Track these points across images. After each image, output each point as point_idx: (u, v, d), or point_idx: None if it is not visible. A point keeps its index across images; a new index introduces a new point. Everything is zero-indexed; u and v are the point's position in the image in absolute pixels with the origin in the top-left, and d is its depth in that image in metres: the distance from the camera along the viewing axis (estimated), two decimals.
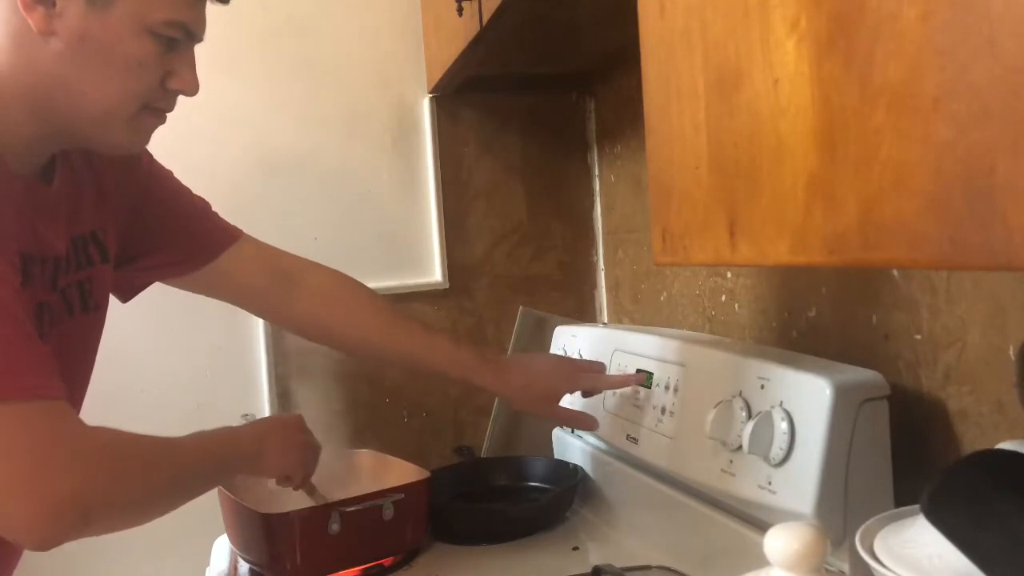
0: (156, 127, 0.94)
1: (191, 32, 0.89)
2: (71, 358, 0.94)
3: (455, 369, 1.18)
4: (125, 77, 0.85)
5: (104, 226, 1.00)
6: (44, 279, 0.88)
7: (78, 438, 0.80)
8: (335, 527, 1.13)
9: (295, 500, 1.21)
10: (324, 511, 1.13)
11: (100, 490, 0.82)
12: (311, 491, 1.18)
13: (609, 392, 1.23)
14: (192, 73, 0.91)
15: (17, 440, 0.76)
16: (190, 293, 1.42)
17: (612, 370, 1.24)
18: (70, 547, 1.40)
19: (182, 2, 0.86)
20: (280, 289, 1.19)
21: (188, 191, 1.14)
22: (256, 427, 1.14)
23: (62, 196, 0.92)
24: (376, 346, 1.22)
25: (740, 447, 0.91)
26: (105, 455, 0.83)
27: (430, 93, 1.57)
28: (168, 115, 1.39)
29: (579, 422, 1.24)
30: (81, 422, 0.82)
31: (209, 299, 1.44)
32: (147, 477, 0.88)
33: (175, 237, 1.12)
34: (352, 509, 1.14)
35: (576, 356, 1.35)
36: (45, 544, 0.80)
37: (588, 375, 1.23)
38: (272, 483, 1.18)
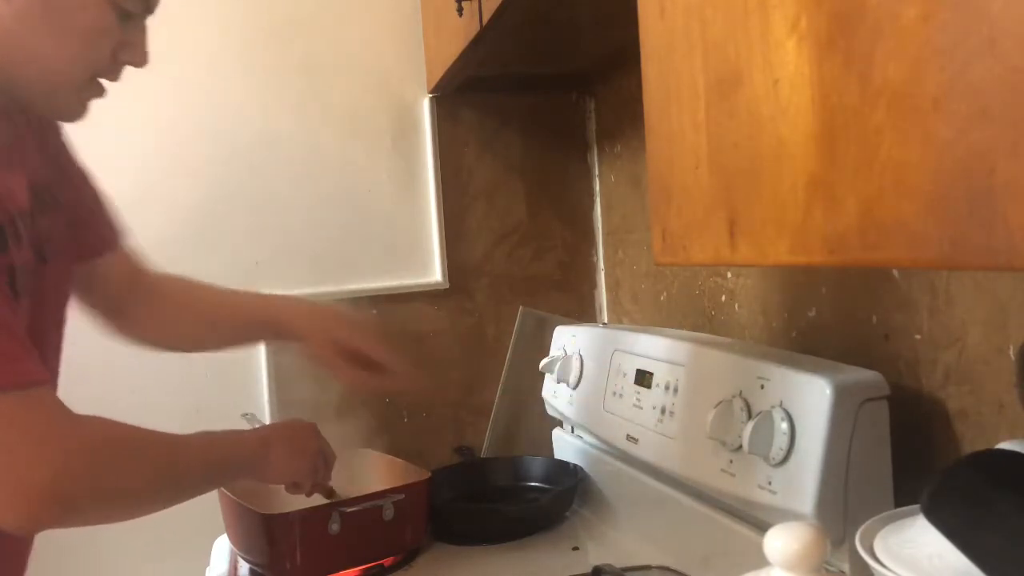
0: (96, 96, 0.93)
1: (148, 4, 0.91)
2: (43, 313, 0.92)
3: (264, 309, 1.17)
4: (82, 44, 0.86)
5: (47, 175, 0.96)
6: (17, 239, 0.86)
7: (61, 426, 0.81)
8: (335, 527, 1.13)
9: (295, 500, 1.21)
10: (324, 511, 1.13)
11: (84, 478, 0.81)
12: (330, 495, 1.17)
13: (609, 392, 1.23)
14: (144, 46, 0.92)
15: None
16: None
17: (612, 370, 1.24)
18: (70, 547, 1.40)
19: None
20: (136, 305, 1.14)
21: (94, 177, 1.07)
22: (263, 431, 1.13)
23: (14, 147, 0.90)
24: (224, 334, 1.21)
25: (740, 447, 0.91)
26: (90, 443, 0.83)
27: (430, 93, 1.57)
28: (168, 115, 1.40)
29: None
30: (65, 409, 0.82)
31: None
32: (138, 468, 0.88)
33: (76, 217, 1.02)
34: (352, 509, 1.14)
35: (576, 356, 1.35)
36: (24, 530, 0.81)
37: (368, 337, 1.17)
38: (282, 489, 1.17)
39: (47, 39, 0.84)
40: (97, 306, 1.11)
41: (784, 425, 0.87)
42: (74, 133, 1.36)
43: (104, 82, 0.92)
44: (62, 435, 0.81)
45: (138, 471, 0.88)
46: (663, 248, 0.67)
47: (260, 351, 1.46)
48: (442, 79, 1.46)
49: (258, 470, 1.07)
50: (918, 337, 0.91)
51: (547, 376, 1.43)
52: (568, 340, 1.40)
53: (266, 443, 1.09)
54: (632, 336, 1.24)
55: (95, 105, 1.43)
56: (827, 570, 0.67)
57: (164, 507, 0.92)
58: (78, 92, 0.89)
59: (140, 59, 0.92)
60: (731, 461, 0.94)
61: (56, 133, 1.02)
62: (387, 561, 1.19)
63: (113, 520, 0.88)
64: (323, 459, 1.14)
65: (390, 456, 1.39)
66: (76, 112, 0.92)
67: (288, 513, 1.12)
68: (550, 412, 1.45)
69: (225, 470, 1.04)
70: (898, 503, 0.86)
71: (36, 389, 0.79)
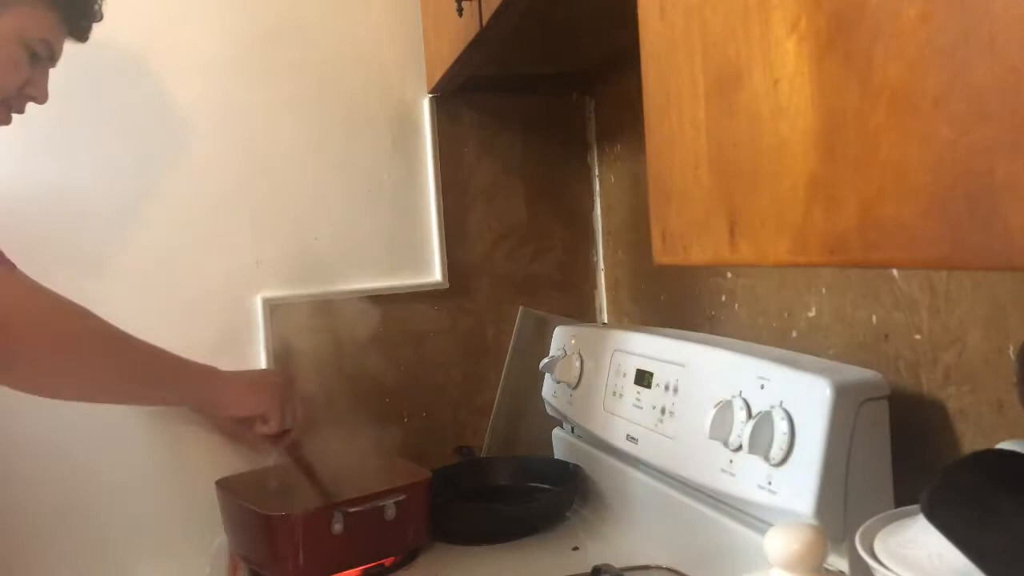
0: (3, 124, 1.07)
1: (53, 53, 1.07)
2: None
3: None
4: None
5: None
6: None
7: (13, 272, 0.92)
8: (338, 527, 1.13)
9: (295, 502, 1.21)
10: (327, 512, 1.13)
11: (16, 308, 0.91)
12: (297, 457, 1.17)
13: (609, 392, 1.24)
14: (45, 86, 1.08)
15: None
16: (188, 294, 1.43)
17: (612, 370, 1.24)
18: (69, 546, 1.40)
19: (53, 29, 1.05)
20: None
21: None
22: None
23: None
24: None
25: (740, 447, 0.91)
26: (27, 291, 0.94)
27: (430, 93, 1.57)
28: (167, 115, 1.41)
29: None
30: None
31: (208, 299, 1.45)
32: (67, 329, 0.96)
33: None
34: (355, 510, 1.14)
35: (576, 356, 1.35)
36: None
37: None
38: (280, 492, 1.19)
39: None
40: None
41: (784, 425, 0.87)
42: (75, 134, 1.37)
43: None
44: (13, 277, 0.92)
45: (75, 329, 0.97)
46: (663, 248, 0.67)
47: (260, 351, 1.46)
48: (442, 79, 1.46)
49: (213, 394, 1.14)
50: (918, 337, 0.91)
51: (547, 376, 1.43)
52: (568, 340, 1.40)
53: (226, 376, 1.15)
54: (632, 336, 1.24)
55: (97, 107, 1.44)
56: (827, 570, 0.67)
57: (106, 388, 1.03)
58: None
59: (41, 95, 1.08)
60: (731, 461, 0.94)
61: None
62: (387, 561, 1.20)
63: (52, 383, 0.97)
64: (296, 404, 1.16)
65: (390, 456, 1.39)
66: None
67: (291, 514, 1.12)
68: (550, 412, 1.45)
69: (175, 377, 1.10)
70: (898, 503, 0.86)
71: None
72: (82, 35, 1.11)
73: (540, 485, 1.40)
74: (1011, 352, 0.80)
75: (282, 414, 1.17)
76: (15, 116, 1.08)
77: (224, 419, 1.30)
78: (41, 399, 1.22)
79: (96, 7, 1.12)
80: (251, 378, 1.21)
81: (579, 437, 1.40)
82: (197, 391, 1.14)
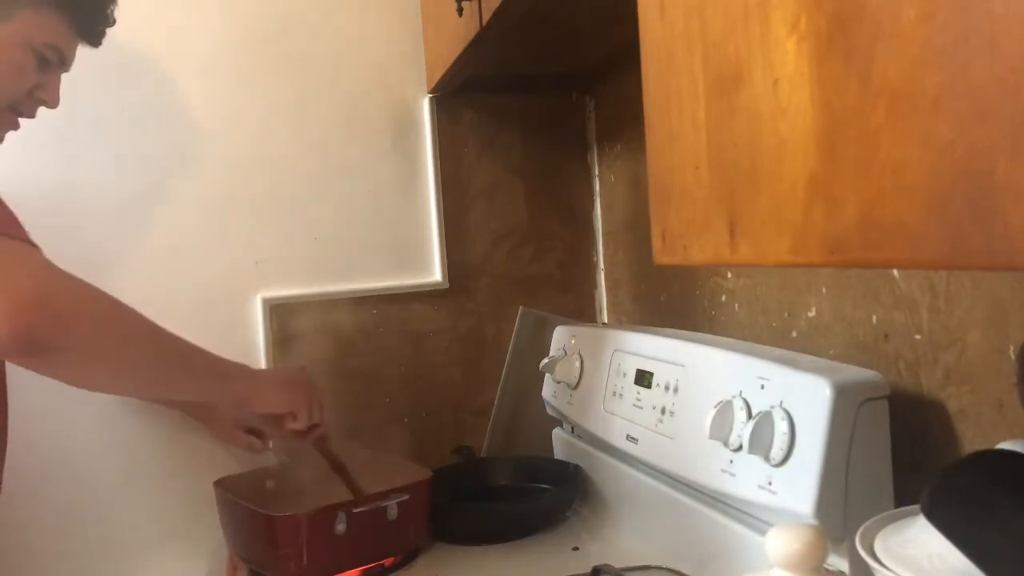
0: (11, 129, 1.08)
1: (63, 59, 1.07)
2: None
3: None
4: (2, 76, 1.02)
5: None
6: None
7: (48, 265, 0.94)
8: (341, 527, 1.13)
9: (293, 503, 1.21)
10: (330, 512, 1.13)
11: (67, 293, 0.92)
12: (327, 452, 1.21)
13: (609, 392, 1.24)
14: (56, 90, 1.08)
15: None
16: (188, 294, 1.43)
17: (612, 370, 1.24)
18: (67, 547, 1.40)
19: (62, 34, 1.05)
20: None
21: None
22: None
23: None
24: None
25: (740, 447, 0.91)
26: (74, 281, 0.94)
27: (430, 93, 1.57)
28: (167, 115, 1.41)
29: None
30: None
31: (207, 300, 1.45)
32: (118, 316, 0.98)
33: None
34: (358, 510, 1.14)
35: (576, 356, 1.35)
36: (17, 342, 0.87)
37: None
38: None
39: None
40: None
41: (784, 425, 0.87)
42: (76, 134, 1.37)
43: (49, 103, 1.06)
44: (49, 267, 0.94)
45: (119, 320, 0.98)
46: (663, 248, 0.67)
47: (260, 352, 1.46)
48: (442, 79, 1.46)
49: (246, 391, 1.15)
50: (918, 337, 0.91)
51: (547, 376, 1.43)
52: (568, 340, 1.40)
53: (256, 373, 1.17)
54: (632, 336, 1.24)
55: (97, 106, 1.44)
56: (827, 570, 0.67)
57: (143, 379, 1.05)
58: None
59: (52, 100, 1.08)
60: (731, 461, 0.94)
61: None
62: (388, 561, 1.20)
63: (93, 371, 0.97)
64: (322, 401, 1.18)
65: (390, 456, 1.39)
66: None
67: (296, 514, 1.12)
68: (550, 412, 1.45)
69: (210, 373, 1.11)
70: (898, 503, 0.86)
71: (28, 244, 0.94)
72: (95, 40, 1.11)
73: (540, 485, 1.40)
74: (1011, 352, 0.80)
75: (310, 411, 1.19)
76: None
77: (219, 420, 1.31)
78: (38, 399, 1.23)
79: (109, 11, 1.12)
80: (281, 376, 1.22)
81: (579, 437, 1.40)
82: (232, 388, 1.14)
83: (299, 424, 1.19)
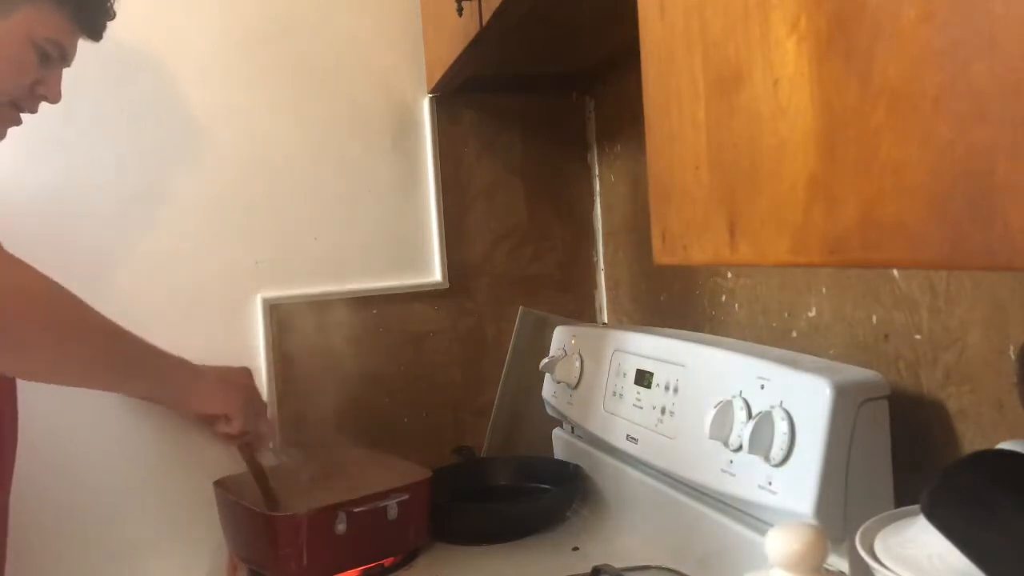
0: (12, 125, 1.08)
1: (65, 54, 1.07)
2: None
3: None
4: (3, 72, 1.02)
5: None
6: None
7: None
8: (341, 527, 1.13)
9: (292, 503, 1.21)
10: (331, 511, 1.13)
11: (5, 289, 0.91)
12: (249, 459, 1.20)
13: (609, 392, 1.24)
14: (58, 85, 1.08)
15: None
16: (188, 294, 1.43)
17: (612, 370, 1.24)
18: (67, 547, 1.40)
19: (63, 29, 1.05)
20: None
21: None
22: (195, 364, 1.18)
23: None
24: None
25: (740, 447, 0.91)
26: (16, 272, 0.93)
27: (430, 93, 1.57)
28: (167, 115, 1.41)
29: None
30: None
31: (208, 299, 1.45)
32: (51, 312, 0.96)
33: None
34: (358, 509, 1.14)
35: (576, 356, 1.35)
36: None
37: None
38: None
39: None
40: None
41: (784, 425, 0.87)
42: (75, 133, 1.37)
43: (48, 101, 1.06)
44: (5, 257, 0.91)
45: (60, 312, 0.97)
46: (663, 248, 0.66)
47: (260, 352, 1.46)
48: (442, 79, 1.46)
49: (183, 389, 1.14)
50: (918, 337, 0.91)
51: (547, 376, 1.43)
52: (568, 340, 1.40)
53: (197, 371, 1.14)
54: (632, 336, 1.24)
55: (97, 105, 1.44)
56: (827, 570, 0.67)
57: (79, 373, 1.03)
58: None
59: (53, 95, 1.08)
60: (731, 461, 0.94)
61: None
62: (387, 561, 1.20)
63: (28, 365, 0.97)
64: (256, 402, 1.17)
65: (390, 456, 1.39)
66: None
67: (296, 514, 1.12)
68: (550, 412, 1.45)
69: (146, 368, 1.10)
70: (898, 503, 0.86)
71: None
72: (96, 34, 1.11)
73: (540, 485, 1.40)
74: (1011, 352, 0.80)
75: (245, 415, 1.18)
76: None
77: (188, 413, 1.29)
78: (39, 400, 1.22)
79: (109, 4, 1.11)
80: (221, 375, 1.21)
81: (579, 437, 1.40)
82: (170, 384, 1.14)
83: (231, 428, 1.18)
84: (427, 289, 1.57)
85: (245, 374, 1.22)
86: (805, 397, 0.86)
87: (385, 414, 1.55)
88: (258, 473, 1.25)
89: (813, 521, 0.83)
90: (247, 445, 1.24)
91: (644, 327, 1.40)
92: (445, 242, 1.58)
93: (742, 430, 0.90)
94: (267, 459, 1.37)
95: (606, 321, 1.68)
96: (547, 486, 1.38)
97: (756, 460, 0.90)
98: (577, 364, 1.34)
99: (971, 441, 0.85)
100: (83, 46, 1.12)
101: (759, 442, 0.88)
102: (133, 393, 1.24)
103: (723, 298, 1.28)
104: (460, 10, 1.17)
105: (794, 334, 1.11)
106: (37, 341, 0.94)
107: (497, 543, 1.24)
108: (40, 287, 0.95)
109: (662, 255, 0.67)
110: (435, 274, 1.58)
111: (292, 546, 1.11)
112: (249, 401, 1.20)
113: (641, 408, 1.14)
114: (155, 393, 1.18)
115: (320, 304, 1.50)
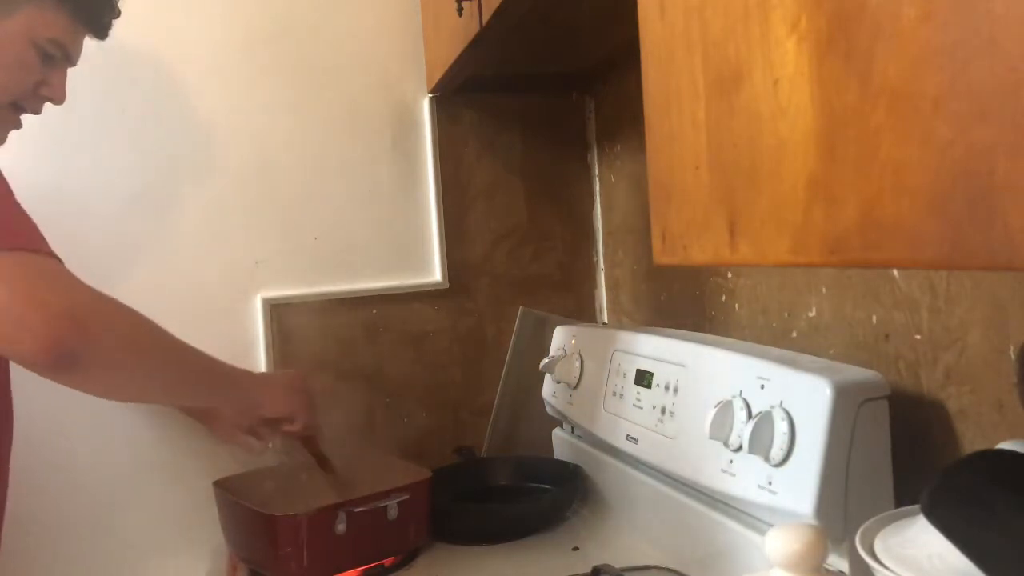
0: (12, 128, 1.08)
1: (68, 54, 1.06)
2: None
3: None
4: (5, 73, 1.01)
5: None
6: None
7: (72, 278, 0.94)
8: (341, 527, 1.13)
9: (292, 503, 1.21)
10: (331, 511, 1.13)
11: (96, 309, 0.93)
12: (316, 452, 1.27)
13: (609, 392, 1.24)
14: (62, 86, 1.07)
15: (19, 276, 0.89)
16: (188, 294, 1.43)
17: (612, 370, 1.24)
18: (67, 547, 1.40)
19: (66, 28, 1.04)
20: None
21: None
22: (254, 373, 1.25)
23: None
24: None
25: (740, 447, 0.91)
26: (98, 293, 0.95)
27: (430, 93, 1.57)
28: (168, 115, 1.40)
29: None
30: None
31: (208, 299, 1.45)
32: (140, 329, 1.00)
33: None
34: (359, 509, 1.14)
35: (576, 356, 1.35)
36: (43, 354, 0.88)
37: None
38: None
39: None
40: None
41: (784, 425, 0.87)
42: (75, 134, 1.37)
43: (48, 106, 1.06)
44: (73, 280, 0.94)
45: (140, 331, 1.00)
46: (663, 248, 0.67)
47: (260, 352, 1.46)
48: (442, 79, 1.46)
49: (257, 396, 1.20)
50: (918, 337, 0.91)
51: (547, 376, 1.43)
52: (568, 340, 1.40)
53: (262, 378, 1.23)
54: (632, 336, 1.24)
55: (97, 106, 1.43)
56: (827, 570, 0.67)
57: (163, 389, 1.08)
58: None
59: (57, 96, 1.07)
60: (731, 461, 0.94)
61: None
62: (387, 561, 1.20)
63: (118, 382, 0.99)
64: (316, 404, 1.27)
65: (390, 456, 1.39)
66: None
67: (296, 514, 1.12)
68: (550, 412, 1.45)
69: (223, 380, 1.15)
70: (898, 503, 0.86)
71: (52, 259, 0.95)
72: (102, 32, 1.10)
73: (540, 485, 1.40)
74: (1011, 352, 0.80)
75: (309, 414, 1.25)
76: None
77: (219, 421, 1.33)
78: (38, 399, 1.22)
79: (114, 1, 1.10)
80: (284, 381, 1.28)
81: (579, 437, 1.40)
82: (243, 393, 1.20)
83: (295, 427, 1.25)
84: (427, 289, 1.57)
85: (302, 378, 1.29)
86: (805, 397, 0.86)
87: (385, 414, 1.55)
88: (322, 461, 1.31)
89: (813, 521, 0.83)
90: (311, 439, 1.30)
91: (644, 327, 1.40)
92: (445, 242, 1.58)
93: (742, 430, 0.90)
94: (270, 459, 1.39)
95: (606, 321, 1.68)
96: (547, 486, 1.38)
97: (756, 460, 0.90)
98: (577, 364, 1.34)
99: (971, 441, 0.85)
100: (84, 46, 1.12)
101: (759, 442, 0.88)
102: (210, 404, 1.28)
103: (723, 298, 1.28)
104: (460, 10, 1.17)
105: (794, 334, 1.11)
106: (122, 360, 0.97)
107: (497, 543, 1.24)
108: (113, 307, 0.97)
109: (662, 255, 0.67)
110: (435, 274, 1.58)
111: (292, 546, 1.11)
112: (312, 402, 1.27)
113: (641, 408, 1.14)
114: (231, 402, 1.23)
115: (320, 304, 1.50)
